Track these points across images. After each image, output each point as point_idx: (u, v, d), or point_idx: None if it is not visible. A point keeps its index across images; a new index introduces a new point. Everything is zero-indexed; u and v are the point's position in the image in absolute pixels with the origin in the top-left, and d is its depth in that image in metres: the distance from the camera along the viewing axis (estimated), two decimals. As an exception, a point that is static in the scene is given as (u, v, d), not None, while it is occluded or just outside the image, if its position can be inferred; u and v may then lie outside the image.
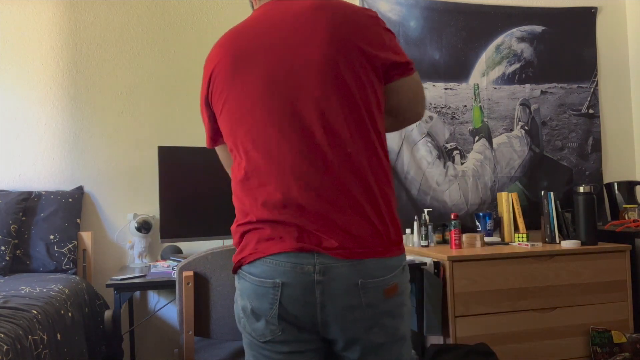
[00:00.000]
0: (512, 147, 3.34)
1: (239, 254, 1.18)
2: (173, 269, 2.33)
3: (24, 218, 2.58)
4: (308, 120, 1.11)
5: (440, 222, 3.13)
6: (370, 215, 1.12)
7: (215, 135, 1.32)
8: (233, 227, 1.22)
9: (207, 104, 1.26)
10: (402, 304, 1.16)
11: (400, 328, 1.16)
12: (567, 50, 3.45)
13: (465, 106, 3.29)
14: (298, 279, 1.08)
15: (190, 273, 1.60)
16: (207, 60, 1.26)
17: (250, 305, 1.13)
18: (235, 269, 1.20)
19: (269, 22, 1.18)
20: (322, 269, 1.08)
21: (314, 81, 1.12)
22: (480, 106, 3.31)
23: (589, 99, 3.47)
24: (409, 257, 2.65)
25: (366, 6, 3.15)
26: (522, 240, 2.96)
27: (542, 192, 3.11)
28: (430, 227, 2.96)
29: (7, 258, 2.44)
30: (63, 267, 2.56)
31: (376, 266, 1.11)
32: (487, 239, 2.98)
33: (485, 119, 3.31)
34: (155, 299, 2.86)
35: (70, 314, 2.01)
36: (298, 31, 1.14)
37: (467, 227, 3.18)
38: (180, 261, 2.24)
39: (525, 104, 3.37)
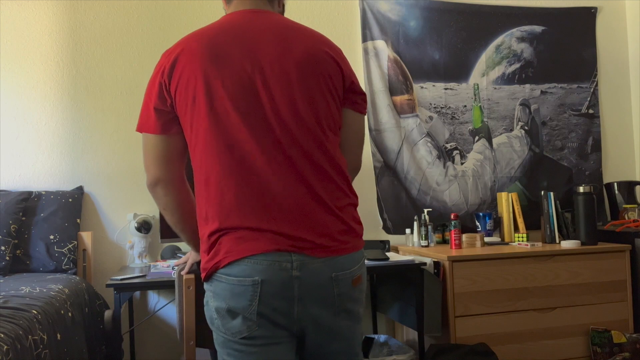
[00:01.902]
0: (512, 147, 3.34)
1: (210, 260, 1.21)
2: (173, 268, 2.32)
3: (24, 218, 2.58)
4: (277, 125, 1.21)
5: (440, 222, 3.13)
6: (339, 214, 1.24)
7: (167, 124, 1.25)
8: (200, 234, 1.26)
9: (165, 90, 1.22)
10: (362, 291, 1.30)
11: (360, 311, 1.30)
12: (567, 50, 3.45)
13: (465, 106, 3.29)
14: (277, 275, 1.16)
15: (192, 276, 1.50)
16: (171, 51, 1.24)
17: (227, 305, 1.19)
18: (210, 275, 1.22)
19: (247, 28, 1.25)
20: (299, 265, 1.17)
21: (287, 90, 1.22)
22: (480, 106, 3.31)
23: (588, 99, 3.47)
24: (409, 257, 2.65)
25: (366, 6, 3.15)
26: (522, 240, 2.97)
27: (542, 192, 3.11)
28: (430, 227, 2.96)
29: (7, 258, 2.44)
30: (63, 267, 2.56)
31: (346, 260, 1.23)
32: (487, 239, 2.98)
33: (485, 119, 3.31)
34: (155, 299, 2.86)
35: (70, 314, 2.01)
36: (273, 44, 1.23)
37: (467, 227, 3.17)
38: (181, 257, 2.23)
39: (525, 104, 3.37)
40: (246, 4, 1.31)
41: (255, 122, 1.19)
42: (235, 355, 1.21)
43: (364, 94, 1.35)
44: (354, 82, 1.32)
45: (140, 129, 1.28)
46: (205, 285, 1.26)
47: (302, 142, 1.21)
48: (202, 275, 1.25)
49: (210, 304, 1.23)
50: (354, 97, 1.33)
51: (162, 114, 1.24)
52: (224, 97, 1.19)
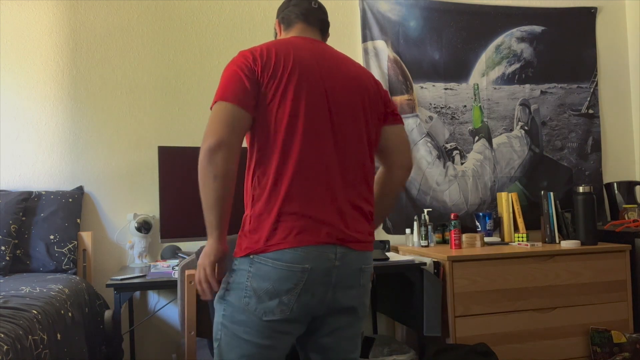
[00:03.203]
0: (512, 147, 3.34)
1: (259, 241, 1.30)
2: (173, 268, 2.33)
3: (24, 218, 2.58)
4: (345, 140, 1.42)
5: (440, 222, 3.13)
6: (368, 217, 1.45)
7: (252, 101, 1.35)
8: (254, 214, 1.33)
9: (254, 72, 1.35)
10: (370, 287, 1.49)
11: (368, 305, 1.47)
12: (567, 50, 3.45)
13: (465, 106, 3.29)
14: (323, 264, 1.31)
15: (193, 272, 1.61)
16: (265, 48, 1.39)
17: (272, 286, 1.28)
18: (253, 255, 1.31)
19: (316, 52, 1.45)
20: (341, 256, 1.34)
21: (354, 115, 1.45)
22: (480, 106, 3.31)
23: (588, 99, 3.47)
24: (409, 257, 2.65)
25: (366, 6, 3.16)
26: (522, 240, 2.97)
27: (542, 192, 3.11)
28: (430, 227, 2.96)
29: (7, 258, 2.44)
30: (63, 267, 2.56)
31: (370, 256, 1.43)
32: (487, 239, 2.99)
33: (485, 119, 3.31)
34: (155, 299, 2.86)
35: (70, 314, 2.01)
36: (336, 71, 1.45)
37: (467, 227, 3.18)
38: (185, 258, 2.24)
39: (525, 104, 3.37)
40: (308, 32, 1.52)
41: (322, 127, 1.38)
42: (254, 334, 1.30)
43: (396, 107, 1.62)
44: (390, 101, 1.57)
45: (221, 98, 1.33)
46: (241, 264, 1.33)
47: (358, 155, 1.42)
48: (241, 253, 1.32)
49: (246, 282, 1.31)
50: (393, 115, 1.56)
51: (247, 92, 1.34)
52: (307, 101, 1.37)
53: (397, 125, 1.56)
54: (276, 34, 1.61)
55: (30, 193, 2.66)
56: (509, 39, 3.37)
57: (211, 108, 1.36)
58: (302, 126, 1.34)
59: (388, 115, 1.54)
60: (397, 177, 1.55)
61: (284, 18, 1.55)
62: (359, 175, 1.42)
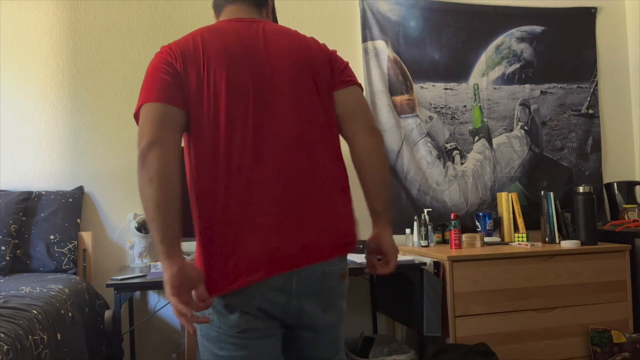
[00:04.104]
0: (512, 147, 3.34)
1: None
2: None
3: (24, 218, 2.58)
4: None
5: (440, 222, 3.13)
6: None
7: (178, 94, 1.23)
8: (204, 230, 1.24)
9: (173, 66, 1.25)
10: (346, 287, 1.35)
11: (344, 307, 1.36)
12: (567, 50, 3.45)
13: (465, 106, 3.29)
14: (277, 278, 1.20)
15: None
16: (184, 39, 1.29)
17: (225, 301, 1.20)
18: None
19: (244, 34, 1.31)
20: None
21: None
22: (480, 106, 3.31)
23: (588, 99, 3.47)
24: (409, 257, 2.65)
25: (366, 7, 3.16)
26: (522, 240, 2.97)
27: (542, 192, 3.11)
28: (430, 227, 2.96)
29: (7, 258, 2.44)
30: (63, 267, 2.56)
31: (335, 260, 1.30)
32: (487, 239, 2.99)
33: (485, 119, 3.31)
34: (155, 299, 2.86)
35: (70, 314, 2.01)
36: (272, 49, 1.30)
37: (467, 227, 3.17)
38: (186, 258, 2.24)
39: (525, 104, 3.37)
40: (240, 12, 1.37)
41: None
42: (228, 348, 1.22)
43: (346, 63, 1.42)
44: (339, 62, 1.40)
45: (145, 100, 1.23)
46: None
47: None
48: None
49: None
50: (343, 77, 1.38)
51: (170, 86, 1.23)
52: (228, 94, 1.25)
53: (350, 88, 1.37)
54: None
55: (30, 193, 2.66)
56: (509, 39, 3.37)
57: (135, 115, 1.24)
58: (224, 117, 1.22)
59: (336, 79, 1.36)
60: (367, 145, 1.34)
61: (216, 6, 1.43)
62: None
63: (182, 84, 1.23)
